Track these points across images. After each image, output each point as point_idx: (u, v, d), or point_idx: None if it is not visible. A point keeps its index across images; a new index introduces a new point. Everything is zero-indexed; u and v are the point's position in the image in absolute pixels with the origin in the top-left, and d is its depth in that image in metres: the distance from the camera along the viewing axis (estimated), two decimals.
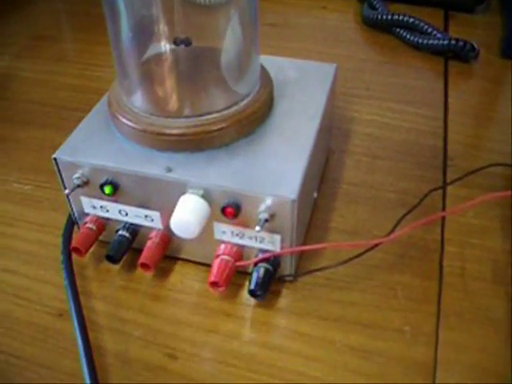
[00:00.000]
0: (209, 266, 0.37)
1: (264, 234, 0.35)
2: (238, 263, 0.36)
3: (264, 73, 0.40)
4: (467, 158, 0.48)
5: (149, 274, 0.39)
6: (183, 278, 0.39)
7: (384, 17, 0.63)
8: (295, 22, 0.69)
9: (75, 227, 0.41)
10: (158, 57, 0.38)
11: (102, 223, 0.39)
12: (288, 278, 0.38)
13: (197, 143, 0.36)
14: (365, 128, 0.51)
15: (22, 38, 0.68)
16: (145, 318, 0.37)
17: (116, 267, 0.39)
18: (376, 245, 0.36)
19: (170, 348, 0.35)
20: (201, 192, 0.34)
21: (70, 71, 0.61)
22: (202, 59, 0.39)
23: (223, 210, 0.34)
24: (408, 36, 0.61)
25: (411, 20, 0.61)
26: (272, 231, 0.35)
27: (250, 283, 0.36)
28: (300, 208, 0.34)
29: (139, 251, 0.38)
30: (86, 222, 0.39)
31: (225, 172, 0.35)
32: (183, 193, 0.35)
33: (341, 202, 0.44)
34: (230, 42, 0.37)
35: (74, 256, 0.38)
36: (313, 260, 0.39)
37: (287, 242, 0.35)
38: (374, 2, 0.66)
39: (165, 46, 0.37)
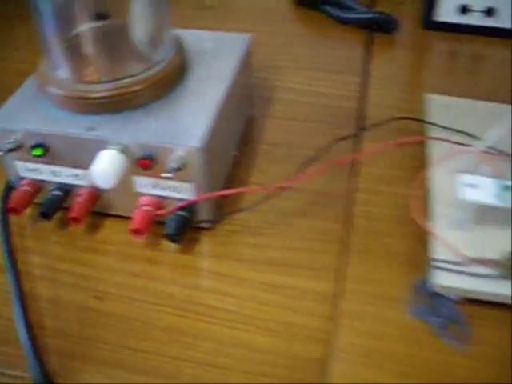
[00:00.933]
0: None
1: (178, 184, 0.39)
2: (158, 212, 0.40)
3: (178, 43, 0.44)
4: (383, 118, 0.51)
5: (79, 228, 0.42)
6: (111, 231, 0.42)
7: None
8: (231, 4, 0.72)
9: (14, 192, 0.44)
10: (79, 33, 0.41)
11: (38, 185, 0.42)
12: (205, 225, 0.41)
13: (115, 105, 0.40)
14: (286, 95, 0.55)
15: None
16: (77, 268, 0.40)
17: (51, 225, 0.43)
18: (283, 188, 0.40)
19: (99, 291, 0.39)
20: (119, 147, 0.38)
21: (19, 57, 0.64)
22: (118, 33, 0.42)
23: (138, 163, 0.38)
24: (334, 12, 0.65)
25: None
26: (185, 180, 0.39)
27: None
28: (210, 158, 0.38)
29: None
30: (22, 185, 0.42)
31: (140, 129, 0.39)
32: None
33: (261, 160, 0.48)
34: (139, 15, 0.41)
35: (14, 217, 0.42)
36: (230, 209, 0.43)
37: (201, 190, 0.39)
38: None
39: (84, 24, 0.41)
